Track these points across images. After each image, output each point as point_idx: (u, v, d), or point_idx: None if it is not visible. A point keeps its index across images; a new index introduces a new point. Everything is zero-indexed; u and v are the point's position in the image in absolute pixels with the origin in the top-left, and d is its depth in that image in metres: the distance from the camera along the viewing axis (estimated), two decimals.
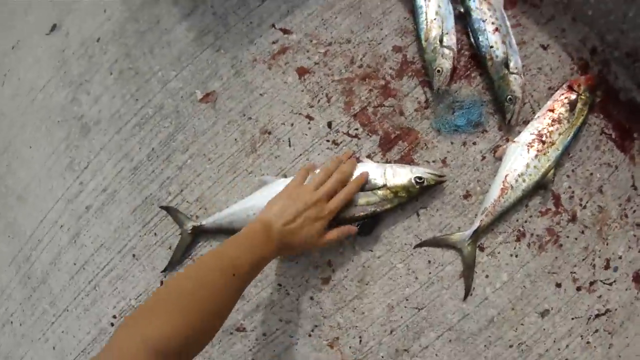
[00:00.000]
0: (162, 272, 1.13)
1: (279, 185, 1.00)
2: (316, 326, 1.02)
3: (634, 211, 0.98)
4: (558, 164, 0.99)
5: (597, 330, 0.94)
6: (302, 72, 1.12)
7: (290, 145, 1.10)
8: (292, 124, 1.11)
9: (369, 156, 1.06)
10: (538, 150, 0.97)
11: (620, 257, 0.96)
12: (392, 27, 1.12)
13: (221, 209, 1.11)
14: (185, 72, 1.23)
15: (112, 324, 1.17)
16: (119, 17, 1.39)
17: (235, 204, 1.06)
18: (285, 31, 1.16)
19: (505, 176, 0.98)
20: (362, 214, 0.97)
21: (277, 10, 1.19)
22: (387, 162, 1.04)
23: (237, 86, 1.16)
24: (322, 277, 1.03)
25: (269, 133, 1.12)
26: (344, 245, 1.03)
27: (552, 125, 0.98)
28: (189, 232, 1.10)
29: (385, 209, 0.98)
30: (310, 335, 1.02)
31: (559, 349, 0.94)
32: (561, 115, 0.99)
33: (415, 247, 1.01)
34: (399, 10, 1.13)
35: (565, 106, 0.99)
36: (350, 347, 1.00)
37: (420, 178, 0.95)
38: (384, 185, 0.96)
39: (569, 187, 0.99)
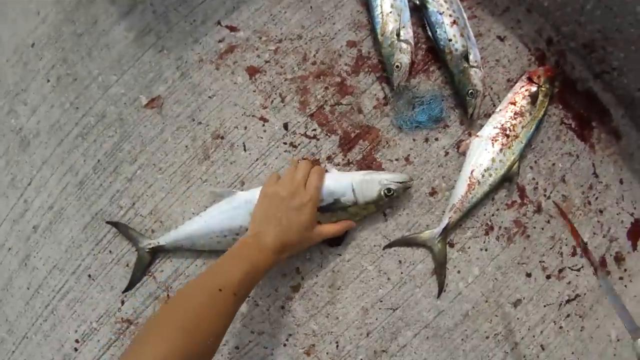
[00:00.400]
0: (123, 292, 0.85)
1: (238, 198, 0.76)
2: (290, 335, 0.80)
3: (597, 198, 0.80)
4: (521, 156, 0.77)
5: (568, 315, 0.79)
6: (252, 71, 0.84)
7: (245, 150, 0.83)
8: (245, 127, 0.83)
9: (329, 158, 0.81)
10: (502, 144, 0.77)
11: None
12: (345, 21, 0.86)
13: (177, 221, 0.84)
14: (127, 76, 0.92)
15: (76, 349, 0.88)
16: (53, 19, 1.05)
17: (196, 220, 0.80)
18: (232, 28, 0.87)
19: (472, 171, 0.77)
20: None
21: (221, 6, 0.89)
22: (348, 163, 0.80)
23: (184, 89, 0.87)
24: (291, 286, 0.80)
25: (222, 138, 0.84)
26: (310, 250, 0.78)
27: (515, 119, 0.78)
28: (147, 251, 0.82)
29: (357, 220, 0.77)
30: (285, 345, 0.79)
31: (533, 336, 0.78)
32: (523, 108, 0.78)
33: (384, 248, 0.79)
34: (351, 4, 0.87)
35: (527, 98, 0.78)
36: (327, 353, 0.79)
37: (389, 190, 0.73)
38: (354, 204, 0.74)
39: (533, 179, 0.80)
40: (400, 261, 0.79)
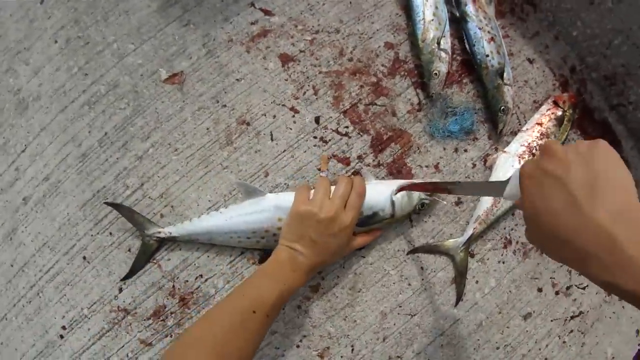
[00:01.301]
0: (121, 280, 0.67)
1: (268, 202, 0.61)
2: (305, 336, 0.65)
3: None
4: None
5: (572, 331, 0.70)
6: (285, 59, 0.68)
7: (272, 140, 0.66)
8: (274, 116, 0.67)
9: (360, 157, 0.67)
10: None
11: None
12: (384, 22, 0.71)
13: (191, 207, 0.66)
14: (146, 46, 0.72)
15: (62, 336, 0.68)
16: None
17: (215, 215, 0.63)
18: (266, 12, 0.70)
19: None
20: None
21: None
22: (379, 164, 0.66)
23: (209, 68, 0.69)
24: (310, 285, 0.66)
25: (248, 124, 0.67)
26: None
27: (541, 139, 0.68)
28: (154, 239, 0.64)
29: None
30: (298, 347, 0.65)
31: (539, 349, 0.68)
32: (548, 130, 0.69)
33: (408, 254, 0.67)
34: (391, 5, 0.72)
35: (552, 121, 0.69)
36: (342, 357, 0.65)
37: (423, 205, 0.63)
38: (391, 216, 0.61)
39: None
40: (422, 267, 0.66)
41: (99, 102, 0.73)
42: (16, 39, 0.82)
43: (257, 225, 0.61)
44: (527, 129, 0.70)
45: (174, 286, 0.66)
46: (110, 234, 0.69)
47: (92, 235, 0.70)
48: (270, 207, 0.61)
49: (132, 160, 0.70)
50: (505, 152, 0.68)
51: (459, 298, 0.65)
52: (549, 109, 0.70)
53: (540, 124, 0.69)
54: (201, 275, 0.66)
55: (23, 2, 0.84)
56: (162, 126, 0.70)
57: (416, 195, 0.61)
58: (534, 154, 0.68)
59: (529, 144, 0.68)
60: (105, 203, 0.68)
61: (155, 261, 0.67)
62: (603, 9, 0.67)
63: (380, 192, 0.60)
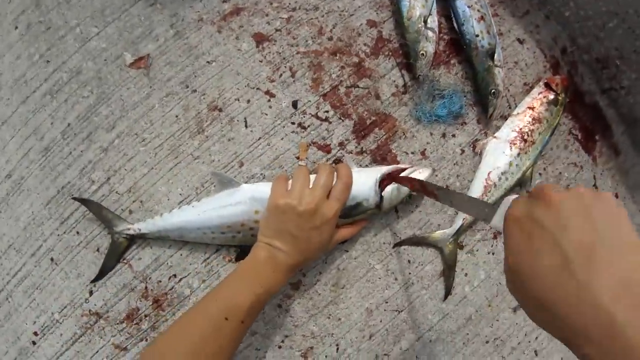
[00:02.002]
0: (91, 282, 0.55)
1: (244, 193, 0.50)
2: (287, 336, 0.54)
3: None
4: (534, 162, 0.55)
5: None
6: (260, 38, 0.55)
7: (246, 126, 0.54)
8: (248, 101, 0.54)
9: (341, 144, 0.55)
10: (520, 149, 0.56)
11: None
12: None
13: (161, 201, 0.54)
14: (110, 29, 0.58)
15: (34, 342, 0.57)
16: None
17: (187, 210, 0.51)
18: None
19: (488, 173, 0.55)
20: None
21: None
22: (362, 151, 0.54)
23: (178, 50, 0.56)
24: (291, 283, 0.55)
25: (220, 110, 0.54)
26: None
27: (533, 124, 0.57)
28: (123, 237, 0.52)
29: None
30: (280, 347, 0.54)
31: (529, 342, 0.59)
32: (541, 114, 0.58)
33: (394, 246, 0.56)
34: None
35: (545, 105, 0.58)
36: (326, 357, 0.55)
37: (410, 196, 0.52)
38: (377, 207, 0.50)
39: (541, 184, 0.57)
40: (409, 261, 0.55)
41: (61, 91, 0.60)
42: None
43: (232, 219, 0.49)
44: (518, 113, 0.58)
45: (146, 287, 0.54)
46: (78, 233, 0.57)
47: (58, 235, 0.57)
48: (246, 199, 0.49)
49: (97, 153, 0.57)
50: (495, 137, 0.57)
51: (447, 292, 0.55)
52: (540, 92, 0.59)
53: (532, 108, 0.58)
54: (175, 275, 0.54)
55: None
56: (128, 115, 0.57)
57: (402, 191, 0.50)
58: (525, 140, 0.56)
59: (521, 129, 0.57)
60: (73, 198, 0.55)
61: (125, 261, 0.55)
62: None
63: (364, 181, 0.48)
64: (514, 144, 0.56)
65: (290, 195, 0.44)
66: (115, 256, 0.54)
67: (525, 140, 0.57)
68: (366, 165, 0.55)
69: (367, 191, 0.48)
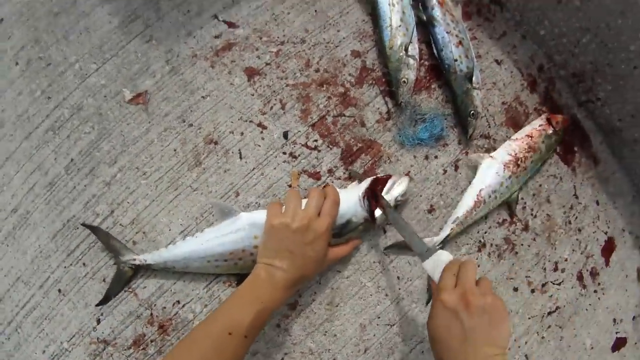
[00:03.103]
0: (96, 305, 0.60)
1: (243, 220, 0.55)
2: (286, 354, 0.60)
3: (576, 217, 0.67)
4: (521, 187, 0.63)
5: (549, 326, 0.66)
6: (251, 73, 0.61)
7: (241, 158, 0.60)
8: (242, 133, 0.60)
9: (330, 171, 0.61)
10: (512, 172, 0.63)
11: (566, 260, 0.68)
12: (350, 30, 0.64)
13: (163, 232, 0.60)
14: (108, 65, 0.64)
15: None
16: None
17: (190, 241, 0.57)
18: (230, 24, 0.63)
19: (480, 190, 0.61)
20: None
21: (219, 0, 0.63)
22: (350, 177, 0.60)
23: (174, 86, 0.62)
24: (288, 303, 0.60)
25: (215, 143, 0.60)
26: None
27: (528, 152, 0.64)
28: (129, 266, 0.58)
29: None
30: None
31: (519, 347, 0.64)
32: (537, 145, 0.65)
33: (385, 250, 0.61)
34: (357, 12, 0.65)
35: (542, 137, 0.65)
36: None
37: (396, 206, 0.57)
38: (366, 221, 0.55)
39: (522, 198, 0.65)
40: (398, 277, 0.61)
41: (63, 127, 0.66)
42: None
43: (233, 246, 0.54)
44: (516, 139, 0.64)
45: (151, 314, 0.60)
46: (84, 264, 0.62)
47: (65, 266, 0.63)
48: (245, 225, 0.55)
49: (101, 187, 0.63)
50: (492, 157, 0.63)
51: (430, 297, 0.61)
52: (541, 125, 0.65)
53: (531, 137, 0.64)
54: (178, 301, 0.60)
55: None
56: (128, 149, 0.63)
57: (394, 197, 0.56)
58: (518, 165, 0.62)
59: (516, 154, 0.63)
60: (82, 225, 0.61)
61: (131, 290, 0.61)
62: (570, 8, 0.61)
63: (349, 199, 0.54)
64: (508, 167, 0.62)
65: (285, 215, 0.50)
66: (120, 284, 0.59)
67: (519, 165, 0.63)
68: None
69: (353, 207, 0.54)
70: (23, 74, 0.69)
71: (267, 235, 0.51)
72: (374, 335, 0.60)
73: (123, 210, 0.62)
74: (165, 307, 0.59)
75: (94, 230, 0.60)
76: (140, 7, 0.66)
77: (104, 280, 0.61)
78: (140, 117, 0.63)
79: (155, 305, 0.59)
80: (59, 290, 0.62)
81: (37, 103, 0.68)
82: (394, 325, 0.61)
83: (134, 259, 0.57)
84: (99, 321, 0.60)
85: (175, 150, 0.62)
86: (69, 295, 0.62)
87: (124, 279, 0.59)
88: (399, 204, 0.58)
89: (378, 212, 0.55)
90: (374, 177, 0.57)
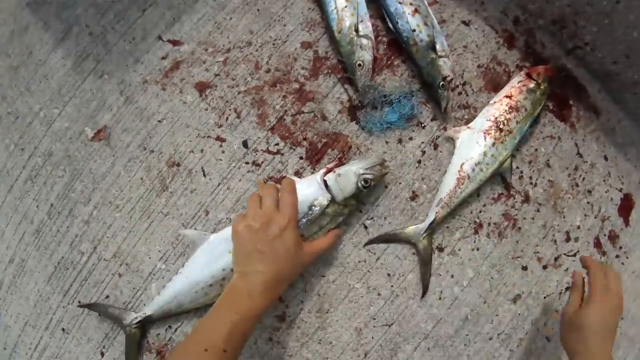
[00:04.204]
0: None
1: (213, 243, 0.56)
2: None
3: (583, 179, 0.62)
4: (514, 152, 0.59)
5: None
6: (202, 87, 0.61)
7: (205, 175, 0.60)
8: (202, 150, 0.61)
9: (297, 173, 0.60)
10: (495, 138, 0.58)
11: (578, 227, 0.63)
12: (297, 21, 0.63)
13: (144, 261, 0.62)
14: (69, 107, 0.68)
15: None
16: None
17: (177, 278, 0.58)
18: (174, 42, 0.64)
19: (461, 165, 0.58)
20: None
21: (161, 19, 0.65)
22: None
23: (131, 115, 0.64)
24: (276, 315, 0.60)
25: (178, 165, 0.61)
26: None
27: (510, 113, 0.60)
28: (134, 327, 0.59)
29: (340, 220, 0.56)
30: None
31: (537, 329, 0.61)
32: (519, 103, 0.60)
33: (365, 245, 0.60)
34: (301, 1, 0.65)
35: (523, 94, 0.61)
36: None
37: (366, 181, 0.54)
38: (332, 202, 0.54)
39: (517, 167, 0.61)
40: (389, 274, 0.59)
41: (39, 175, 0.70)
42: None
43: (212, 268, 0.55)
44: (494, 102, 0.60)
45: (148, 342, 0.62)
46: (79, 302, 0.66)
47: (64, 306, 0.67)
48: (216, 245, 0.55)
49: (81, 226, 0.66)
50: (469, 127, 0.60)
51: (425, 289, 0.58)
52: (520, 81, 0.61)
53: (510, 97, 0.60)
54: (170, 326, 0.62)
55: None
56: (99, 186, 0.65)
57: (352, 171, 0.53)
58: (500, 129, 0.59)
59: (496, 118, 0.59)
60: (79, 306, 0.64)
61: (151, 350, 0.63)
62: None
63: (308, 185, 0.54)
64: (489, 134, 0.59)
65: (245, 218, 0.50)
66: (134, 346, 0.60)
67: (501, 130, 0.59)
68: None
69: (314, 192, 0.53)
70: None
71: (235, 244, 0.51)
72: (372, 337, 0.59)
73: (104, 245, 0.65)
74: (159, 334, 0.62)
75: (91, 307, 0.63)
76: (89, 44, 0.69)
77: (98, 314, 0.64)
78: (105, 152, 0.66)
79: (149, 332, 0.62)
80: (63, 329, 0.66)
81: (12, 156, 0.72)
82: (392, 324, 0.59)
83: (136, 318, 0.59)
84: (102, 354, 0.63)
85: (141, 178, 0.64)
86: (72, 332, 0.66)
87: (135, 340, 0.60)
88: (369, 182, 0.53)
89: (335, 187, 0.54)
90: (333, 164, 0.56)
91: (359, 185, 0.53)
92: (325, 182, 0.54)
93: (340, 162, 0.55)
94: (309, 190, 0.54)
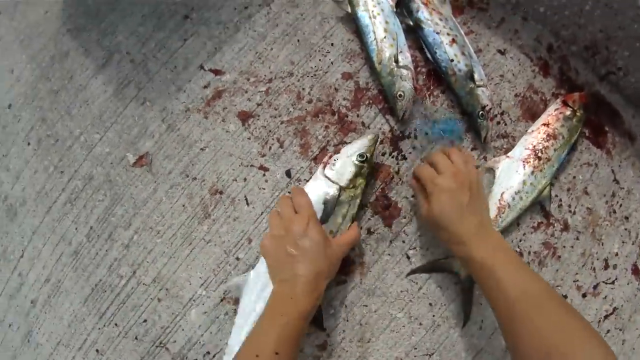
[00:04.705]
0: None
1: (254, 279, 0.58)
2: None
3: (620, 205, 0.63)
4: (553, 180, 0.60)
5: (608, 331, 0.62)
6: (244, 116, 0.63)
7: (248, 204, 0.62)
8: (245, 179, 0.63)
9: None
10: (534, 167, 0.60)
11: (616, 254, 0.64)
12: (337, 52, 0.65)
13: (184, 287, 0.63)
14: (110, 133, 0.70)
15: None
16: (28, 77, 0.81)
17: (235, 330, 0.58)
18: (216, 72, 0.66)
19: (502, 194, 0.59)
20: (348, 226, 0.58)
21: (202, 49, 0.68)
22: (362, 207, 0.61)
23: (173, 143, 0.66)
24: (317, 344, 0.61)
25: (221, 193, 0.63)
26: (334, 306, 0.60)
27: (548, 141, 0.62)
28: None
29: (358, 203, 0.59)
30: None
31: None
32: (556, 131, 0.62)
33: (407, 275, 0.61)
34: (341, 32, 0.66)
35: (560, 121, 0.62)
36: None
37: (362, 155, 0.57)
38: (341, 189, 0.57)
39: (556, 195, 0.62)
40: (430, 304, 0.60)
41: (78, 198, 0.72)
42: None
43: (264, 301, 0.56)
44: (532, 131, 0.62)
45: None
46: (116, 324, 0.67)
47: (99, 328, 0.68)
48: (258, 278, 0.57)
49: (120, 250, 0.68)
50: (508, 156, 0.61)
51: (466, 318, 0.59)
52: (557, 109, 0.63)
53: (547, 125, 0.62)
54: (208, 352, 0.63)
55: None
56: (140, 211, 0.67)
57: (346, 155, 0.57)
58: (539, 157, 0.60)
59: (534, 146, 0.61)
60: None
61: (162, 344, 0.65)
62: None
63: (315, 184, 0.57)
64: (528, 162, 0.60)
65: (270, 232, 0.53)
66: None
67: (540, 158, 0.60)
68: (369, 219, 0.61)
69: (322, 188, 0.57)
70: (36, 153, 0.77)
71: (266, 258, 0.54)
72: None
73: (144, 270, 0.66)
74: (196, 359, 0.63)
75: None
76: (131, 72, 0.71)
77: (135, 338, 0.65)
78: (146, 178, 0.68)
79: (187, 357, 0.63)
80: (97, 351, 0.67)
81: (52, 178, 0.75)
82: (433, 354, 0.60)
83: None
84: None
85: (183, 205, 0.65)
86: (106, 354, 0.67)
87: None
88: (365, 157, 0.57)
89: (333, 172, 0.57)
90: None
91: (356, 163, 0.57)
92: (326, 175, 0.58)
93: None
94: (317, 188, 0.57)
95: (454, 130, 0.63)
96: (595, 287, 0.63)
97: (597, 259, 0.63)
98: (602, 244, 0.63)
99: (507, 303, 0.44)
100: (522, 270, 0.46)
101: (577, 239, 0.63)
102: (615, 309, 0.62)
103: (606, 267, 0.63)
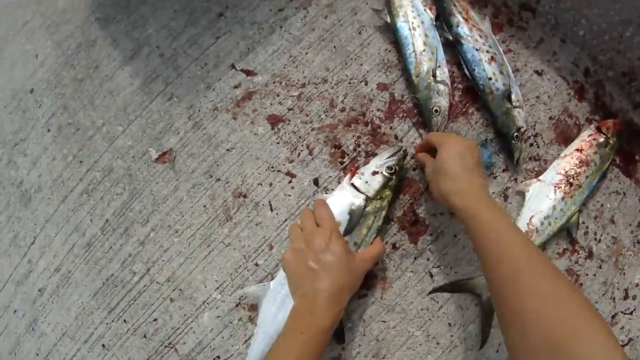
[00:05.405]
0: None
1: (275, 290, 0.57)
2: None
3: None
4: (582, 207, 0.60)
5: None
6: (274, 120, 0.63)
7: (272, 210, 0.61)
8: (270, 184, 0.62)
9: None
10: (565, 193, 0.59)
11: (637, 285, 0.63)
12: (374, 62, 0.65)
13: (199, 289, 0.62)
14: (134, 126, 0.69)
15: None
16: (52, 63, 0.81)
17: (256, 339, 0.57)
18: (248, 72, 0.66)
19: (531, 218, 0.59)
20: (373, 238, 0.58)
21: (235, 49, 0.67)
22: (389, 220, 0.60)
23: (198, 141, 0.65)
24: (331, 357, 0.60)
25: (245, 196, 0.62)
26: (352, 319, 0.59)
27: (580, 167, 0.61)
28: None
29: (384, 215, 0.58)
30: None
31: None
32: (589, 157, 0.61)
33: (429, 294, 0.60)
34: (378, 42, 0.66)
35: (594, 148, 0.62)
36: None
37: (390, 168, 0.57)
38: (367, 200, 0.57)
39: (583, 222, 0.61)
40: (450, 324, 0.59)
41: (96, 190, 0.71)
42: (12, 131, 0.81)
43: (284, 312, 0.55)
44: (565, 155, 0.62)
45: None
46: (125, 321, 0.66)
47: (107, 323, 0.67)
48: (279, 288, 0.56)
49: (136, 246, 0.67)
50: (539, 180, 0.61)
51: (484, 340, 0.58)
52: (590, 135, 0.62)
53: (580, 151, 0.61)
54: (218, 357, 0.62)
55: (15, 92, 0.83)
56: (159, 208, 0.66)
57: (375, 165, 0.57)
58: (570, 183, 0.60)
59: (566, 171, 0.60)
60: None
61: (171, 345, 0.64)
62: (606, 1, 0.58)
63: (340, 196, 0.57)
64: (559, 187, 0.60)
65: (291, 245, 0.53)
66: None
67: (571, 184, 0.60)
68: (395, 234, 0.61)
69: (348, 198, 0.56)
70: (55, 140, 0.76)
71: (287, 272, 0.54)
72: None
73: (159, 268, 0.66)
74: None
75: None
76: (159, 66, 0.71)
77: (144, 336, 0.64)
78: (168, 175, 0.67)
79: None
80: (103, 345, 0.66)
81: (70, 167, 0.74)
82: None
83: None
84: None
85: (205, 206, 0.65)
86: (112, 350, 0.66)
87: None
88: (394, 169, 0.57)
89: (361, 184, 0.57)
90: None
91: (385, 174, 0.57)
92: (353, 185, 0.57)
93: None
94: (343, 198, 0.57)
95: (484, 159, 0.62)
96: (613, 316, 0.62)
97: (618, 289, 0.62)
98: (624, 274, 0.62)
99: (513, 264, 0.42)
100: (527, 239, 0.46)
101: (600, 267, 0.62)
102: (630, 339, 0.62)
103: (626, 297, 0.62)
